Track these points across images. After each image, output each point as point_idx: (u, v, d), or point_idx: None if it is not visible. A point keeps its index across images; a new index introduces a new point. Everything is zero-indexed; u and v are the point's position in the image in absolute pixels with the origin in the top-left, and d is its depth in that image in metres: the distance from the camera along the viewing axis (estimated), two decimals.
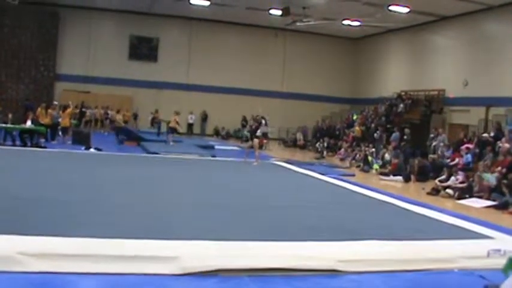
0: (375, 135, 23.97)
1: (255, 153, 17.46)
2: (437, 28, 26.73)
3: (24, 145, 18.21)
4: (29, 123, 18.79)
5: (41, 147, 18.09)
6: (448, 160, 17.51)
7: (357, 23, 28.23)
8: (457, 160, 16.91)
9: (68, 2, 29.97)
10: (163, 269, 5.07)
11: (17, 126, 18.93)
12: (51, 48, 30.83)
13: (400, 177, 16.69)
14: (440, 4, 23.47)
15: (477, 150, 16.88)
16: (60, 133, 21.35)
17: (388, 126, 25.09)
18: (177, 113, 23.39)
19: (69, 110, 21.56)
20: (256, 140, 17.67)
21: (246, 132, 29.16)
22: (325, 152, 25.12)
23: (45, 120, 20.13)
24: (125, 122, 30.35)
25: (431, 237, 6.98)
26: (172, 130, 23.13)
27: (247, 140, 28.11)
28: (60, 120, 20.96)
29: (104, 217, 7.10)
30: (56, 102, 24.24)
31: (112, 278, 4.87)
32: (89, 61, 31.65)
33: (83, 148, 18.58)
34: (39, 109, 20.76)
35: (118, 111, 26.31)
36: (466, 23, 24.54)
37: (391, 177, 16.92)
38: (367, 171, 19.02)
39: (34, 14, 29.89)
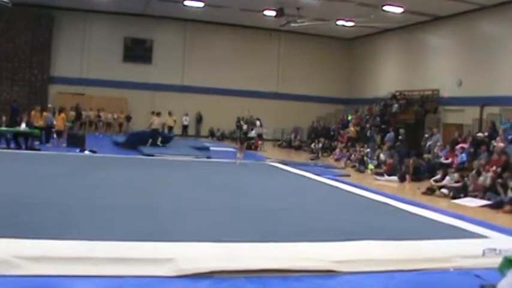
0: (367, 134, 24.02)
1: (238, 152, 17.74)
2: (431, 28, 26.79)
3: (19, 148, 18.18)
4: (23, 125, 18.76)
5: (35, 149, 18.06)
6: (442, 158, 17.54)
7: (351, 24, 28.26)
8: (450, 160, 16.97)
9: (62, 4, 29.86)
10: (158, 271, 5.07)
11: (11, 129, 18.89)
12: (46, 51, 30.73)
13: (395, 177, 16.72)
14: (434, 4, 23.52)
15: (472, 150, 16.93)
16: (54, 135, 21.30)
17: (383, 126, 25.13)
18: (170, 113, 25.57)
19: (63, 115, 21.50)
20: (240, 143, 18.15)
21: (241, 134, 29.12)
22: (320, 153, 25.15)
23: (40, 123, 20.10)
24: (120, 124, 30.50)
25: (427, 237, 6.98)
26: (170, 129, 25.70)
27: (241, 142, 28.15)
28: (54, 123, 20.92)
29: (99, 220, 7.09)
30: (50, 105, 24.20)
31: (108, 280, 4.87)
32: (83, 63, 31.57)
33: (78, 150, 18.55)
34: (33, 112, 20.72)
35: (158, 114, 23.32)
36: (460, 23, 24.60)
37: (386, 177, 16.96)
38: (362, 172, 19.04)
39: (28, 16, 29.80)
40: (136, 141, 21.36)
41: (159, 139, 21.86)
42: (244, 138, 18.83)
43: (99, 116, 29.95)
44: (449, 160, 16.96)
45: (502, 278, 4.43)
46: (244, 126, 19.35)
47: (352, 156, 22.00)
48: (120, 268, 5.03)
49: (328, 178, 14.87)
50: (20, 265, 4.81)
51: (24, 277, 4.70)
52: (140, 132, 23.52)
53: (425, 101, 25.78)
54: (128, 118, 30.74)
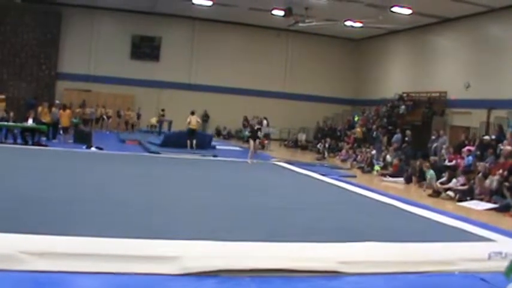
0: (373, 135, 23.95)
1: (249, 153, 17.73)
2: (439, 30, 26.71)
3: (25, 143, 18.23)
4: (30, 121, 18.83)
5: (42, 145, 18.11)
6: (446, 161, 17.49)
7: (359, 24, 28.22)
8: (453, 162, 16.91)
9: (70, 1, 29.96)
10: (164, 269, 5.07)
11: (18, 124, 18.95)
12: (53, 47, 30.82)
13: (401, 179, 16.68)
14: (442, 6, 23.45)
15: (478, 153, 16.86)
16: (61, 132, 21.36)
17: (390, 127, 25.08)
18: (193, 113, 21.51)
19: (68, 111, 21.53)
20: (251, 141, 17.98)
21: (247, 133, 29.15)
22: (326, 153, 25.11)
23: (47, 119, 20.16)
24: (126, 122, 30.62)
25: (432, 239, 6.96)
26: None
27: (247, 141, 28.16)
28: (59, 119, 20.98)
29: (105, 216, 7.10)
30: (58, 101, 24.28)
31: (113, 277, 4.87)
32: (91, 60, 31.66)
33: (84, 147, 18.60)
34: (40, 108, 20.78)
35: (193, 113, 21.28)
36: (468, 25, 24.52)
37: (392, 178, 16.92)
38: (368, 172, 19.01)
39: (36, 12, 29.89)
40: (173, 143, 20.57)
41: (194, 142, 20.61)
42: (255, 137, 18.73)
43: (106, 113, 30.04)
44: (453, 162, 16.91)
45: (508, 282, 4.41)
46: (257, 126, 19.34)
47: (359, 157, 21.96)
48: (125, 265, 5.03)
49: (334, 178, 14.85)
50: (25, 260, 4.82)
51: (29, 272, 4.72)
52: (177, 132, 22.74)
53: (432, 102, 25.71)
54: (138, 115, 30.93)
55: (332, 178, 14.89)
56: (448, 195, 13.69)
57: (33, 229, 5.67)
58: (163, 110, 29.59)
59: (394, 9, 24.23)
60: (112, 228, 6.25)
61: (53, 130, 20.77)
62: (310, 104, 33.81)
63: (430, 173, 15.44)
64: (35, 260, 4.86)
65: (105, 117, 29.78)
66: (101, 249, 5.21)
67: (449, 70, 25.61)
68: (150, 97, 31.44)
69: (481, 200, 12.95)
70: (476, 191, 13.37)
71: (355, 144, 24.93)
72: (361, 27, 28.84)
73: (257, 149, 18.25)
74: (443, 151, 18.75)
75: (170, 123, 29.33)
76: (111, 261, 5.06)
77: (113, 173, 12.53)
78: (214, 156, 19.40)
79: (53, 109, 21.10)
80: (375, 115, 28.26)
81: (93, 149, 18.42)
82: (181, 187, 11.07)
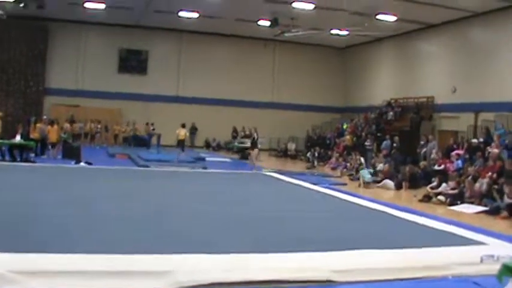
0: (367, 144, 23.92)
1: (250, 163, 17.91)
2: (424, 36, 26.92)
3: (14, 160, 18.10)
4: (18, 137, 18.68)
5: (30, 162, 17.99)
6: (436, 166, 17.59)
7: (345, 33, 28.35)
8: (442, 166, 17.00)
9: (57, 16, 29.81)
10: (156, 284, 5.03)
11: (5, 141, 18.81)
12: (41, 62, 30.68)
13: (391, 182, 16.73)
14: (427, 12, 23.62)
15: (467, 156, 16.95)
16: (49, 147, 21.24)
17: (379, 134, 25.15)
18: (183, 126, 23.04)
19: (56, 127, 21.42)
20: (256, 150, 18.31)
21: (237, 144, 29.13)
22: (316, 162, 25.12)
23: (35, 135, 20.05)
24: (115, 136, 30.49)
25: (424, 245, 6.96)
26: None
27: (238, 152, 28.17)
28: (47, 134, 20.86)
29: (96, 232, 7.03)
30: (45, 117, 24.15)
31: None
32: (78, 75, 31.55)
33: (73, 162, 18.49)
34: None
35: (184, 126, 22.93)
36: (452, 30, 24.73)
37: (383, 182, 16.98)
38: (358, 180, 19.01)
39: (23, 28, 29.73)
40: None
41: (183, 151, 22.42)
42: (254, 146, 19.16)
43: (96, 128, 29.91)
44: (442, 167, 16.99)
45: (501, 285, 4.43)
46: (254, 134, 19.85)
47: (348, 164, 21.99)
48: (117, 281, 4.99)
49: (325, 187, 14.85)
50: (14, 280, 4.76)
51: None
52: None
53: (420, 108, 25.85)
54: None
55: (322, 187, 14.89)
56: (438, 199, 13.75)
57: (23, 247, 5.61)
58: (152, 124, 29.61)
59: (379, 16, 24.39)
60: (103, 244, 6.19)
61: (41, 146, 20.65)
62: (299, 113, 33.85)
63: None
64: (25, 279, 4.80)
65: (99, 131, 29.74)
66: (93, 266, 5.16)
67: (435, 75, 25.78)
68: (138, 110, 31.34)
69: (472, 203, 13.02)
70: (467, 195, 13.44)
71: (345, 152, 24.96)
72: (347, 35, 28.98)
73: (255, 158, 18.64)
74: (432, 156, 18.84)
75: (159, 136, 29.28)
76: (103, 278, 5.01)
77: (103, 188, 12.44)
78: (204, 168, 19.35)
79: (40, 125, 20.96)
80: (364, 122, 28.35)
81: (82, 164, 18.31)
82: (171, 200, 11.00)
